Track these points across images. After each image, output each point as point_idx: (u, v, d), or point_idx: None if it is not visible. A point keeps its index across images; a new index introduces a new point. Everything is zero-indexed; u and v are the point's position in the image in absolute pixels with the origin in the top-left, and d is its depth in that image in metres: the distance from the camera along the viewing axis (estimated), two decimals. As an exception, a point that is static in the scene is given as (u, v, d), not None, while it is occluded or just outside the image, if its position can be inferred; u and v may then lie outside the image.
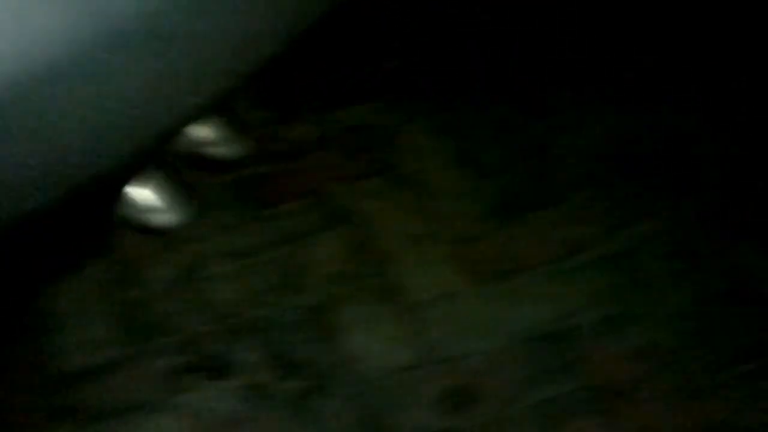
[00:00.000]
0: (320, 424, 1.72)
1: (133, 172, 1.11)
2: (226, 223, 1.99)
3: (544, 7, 2.49)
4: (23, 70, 0.80)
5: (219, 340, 1.78)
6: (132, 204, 1.22)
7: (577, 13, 2.46)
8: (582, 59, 2.34)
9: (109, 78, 0.89)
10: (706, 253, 1.91)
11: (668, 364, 1.73)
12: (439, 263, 1.93)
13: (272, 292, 1.86)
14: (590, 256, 1.91)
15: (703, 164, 2.08)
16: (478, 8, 2.50)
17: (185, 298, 1.84)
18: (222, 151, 1.36)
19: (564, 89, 2.27)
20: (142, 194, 1.21)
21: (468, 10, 2.50)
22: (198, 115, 1.10)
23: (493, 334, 1.80)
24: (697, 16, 2.41)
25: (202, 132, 1.34)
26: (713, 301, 1.83)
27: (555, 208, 2.01)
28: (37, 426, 1.70)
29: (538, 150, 2.14)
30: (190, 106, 1.04)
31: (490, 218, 2.00)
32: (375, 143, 2.17)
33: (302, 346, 1.78)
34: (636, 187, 2.04)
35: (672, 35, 2.37)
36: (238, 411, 1.70)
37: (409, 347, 1.79)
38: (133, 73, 0.92)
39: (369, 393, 1.72)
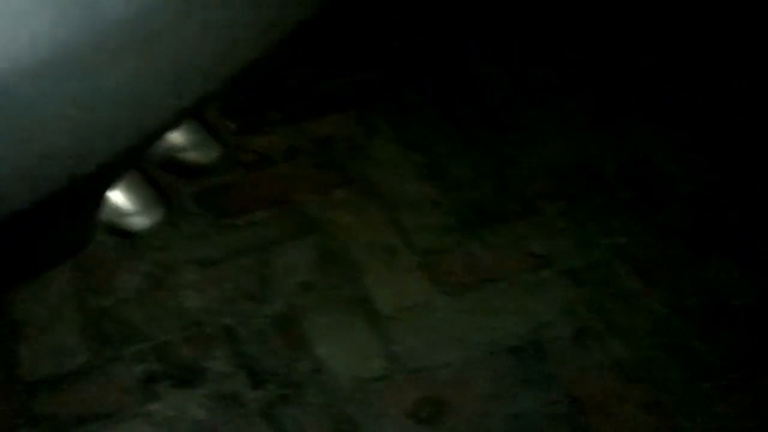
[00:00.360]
0: (290, 434, 1.71)
1: (114, 176, 1.10)
2: (196, 231, 1.98)
3: (514, 24, 2.51)
4: (11, 68, 0.79)
5: (189, 349, 1.77)
6: (104, 206, 1.21)
7: (546, 30, 2.48)
8: (552, 75, 2.36)
9: (94, 76, 0.88)
10: (677, 267, 1.92)
11: (643, 378, 1.74)
12: (409, 274, 1.93)
13: (241, 301, 1.85)
14: (561, 268, 1.92)
15: (673, 179, 2.10)
16: (449, 24, 2.51)
17: (154, 305, 1.83)
18: (194, 156, 1.36)
19: (534, 104, 2.29)
20: (113, 197, 1.20)
21: (438, 27, 2.51)
22: (180, 118, 1.09)
23: (464, 346, 1.80)
24: (663, 34, 2.44)
25: (174, 137, 1.33)
26: (686, 314, 1.84)
27: (524, 221, 2.02)
28: (4, 434, 1.68)
29: (507, 163, 2.15)
30: (173, 108, 1.04)
31: (459, 230, 2.01)
32: (344, 154, 2.18)
33: (272, 355, 1.77)
34: (605, 201, 2.06)
35: (640, 53, 2.40)
36: (208, 419, 1.68)
37: (379, 358, 1.79)
38: (118, 72, 0.91)
39: (339, 403, 1.72)
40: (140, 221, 1.19)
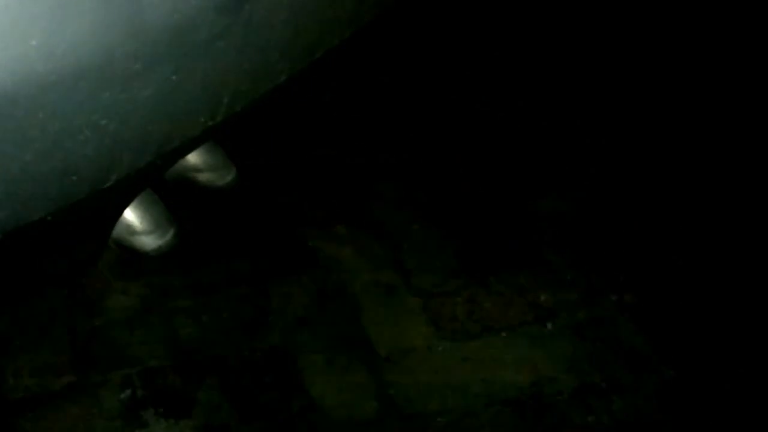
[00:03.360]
0: (277, 473, 1.66)
1: (133, 193, 1.06)
2: (193, 257, 1.94)
3: (515, 68, 2.49)
4: (51, 70, 0.75)
5: (179, 377, 1.73)
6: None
7: (542, 87, 2.47)
8: (562, 125, 2.35)
9: (129, 85, 0.85)
10: (684, 328, 1.89)
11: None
12: (409, 316, 1.89)
13: (236, 332, 1.81)
14: (566, 321, 1.89)
15: (680, 239, 2.07)
16: (459, 65, 2.50)
17: (146, 329, 1.79)
18: (209, 177, 1.33)
19: (545, 152, 2.27)
20: (125, 214, 1.16)
21: (450, 69, 2.50)
22: (207, 136, 1.06)
23: (462, 395, 1.76)
24: (648, 94, 2.43)
25: (190, 156, 1.30)
26: (697, 374, 1.80)
27: (530, 269, 1.99)
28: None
29: (514, 209, 2.12)
30: (202, 125, 1.00)
31: (462, 274, 1.98)
32: (346, 189, 2.14)
33: (264, 389, 1.73)
34: (611, 257, 2.03)
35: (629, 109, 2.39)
36: (196, 452, 1.64)
37: (373, 400, 1.75)
38: (153, 84, 0.88)
39: (330, 445, 1.67)
40: (151, 241, 1.16)
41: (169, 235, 1.17)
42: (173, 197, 1.31)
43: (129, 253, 1.15)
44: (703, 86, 2.47)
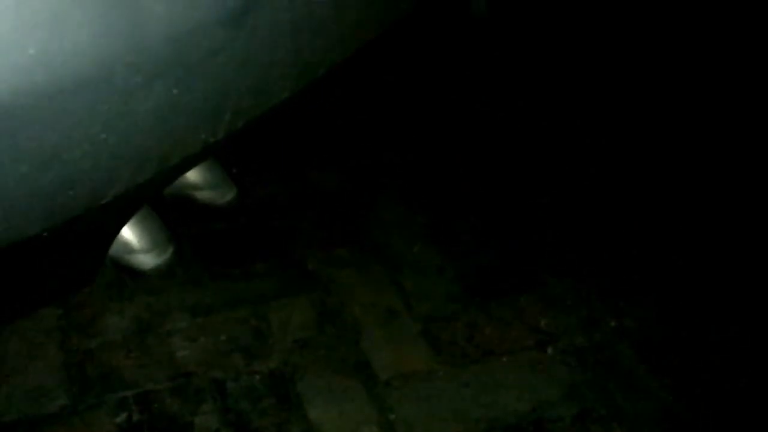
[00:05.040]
0: (274, 500, 1.63)
1: (129, 211, 1.04)
2: (190, 277, 1.92)
3: (520, 89, 2.48)
4: (50, 81, 0.73)
5: (175, 400, 1.69)
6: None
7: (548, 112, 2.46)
8: (563, 155, 2.33)
9: (129, 98, 0.83)
10: (684, 354, 1.86)
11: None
12: (409, 340, 1.86)
13: (234, 355, 1.78)
14: (566, 346, 1.86)
15: (681, 264, 2.05)
16: (459, 90, 2.49)
17: (142, 352, 1.76)
18: (209, 196, 1.30)
19: (544, 159, 2.25)
20: (123, 232, 1.14)
21: (448, 93, 2.49)
22: (207, 154, 1.03)
23: (463, 420, 1.73)
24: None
25: (190, 174, 1.27)
26: (696, 400, 1.78)
27: (530, 294, 1.96)
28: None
29: (516, 232, 2.10)
30: (202, 142, 0.98)
31: (463, 298, 1.95)
32: (346, 211, 2.12)
33: (262, 414, 1.70)
34: (612, 282, 2.00)
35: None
36: (192, 478, 1.61)
37: (374, 425, 1.72)
38: (153, 97, 0.86)
39: (328, 471, 1.64)
40: (149, 260, 1.13)
41: (168, 253, 1.15)
42: (172, 215, 1.29)
43: (127, 272, 1.13)
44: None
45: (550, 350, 1.87)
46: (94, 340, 1.77)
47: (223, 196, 1.27)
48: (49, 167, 0.79)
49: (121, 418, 1.66)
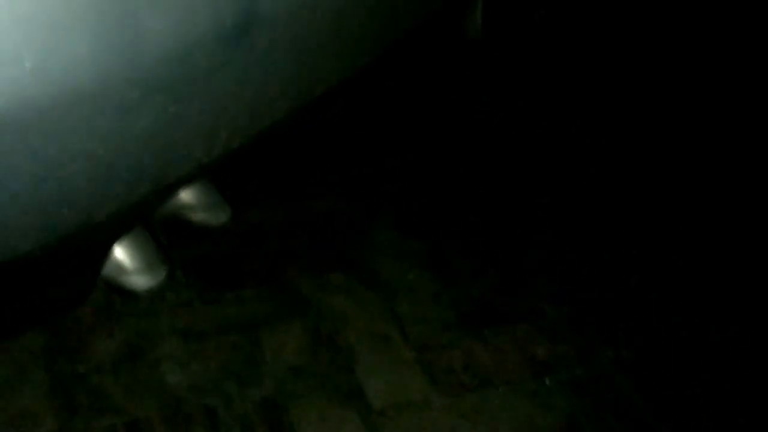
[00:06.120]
0: None
1: (123, 230, 1.02)
2: (181, 301, 1.90)
3: (516, 108, 2.48)
4: (46, 94, 0.72)
5: (166, 427, 1.67)
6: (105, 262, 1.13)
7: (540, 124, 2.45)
8: (557, 172, 2.33)
9: (125, 113, 0.82)
10: (681, 387, 1.85)
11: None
12: (403, 368, 1.84)
13: (226, 381, 1.76)
14: (564, 377, 1.84)
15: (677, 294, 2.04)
16: (454, 112, 2.48)
17: (132, 377, 1.74)
18: (203, 217, 1.29)
19: (543, 185, 2.25)
20: (116, 253, 1.12)
21: (442, 109, 2.48)
22: (202, 173, 1.02)
23: (458, 451, 1.71)
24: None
25: (184, 195, 1.26)
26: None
27: (527, 323, 1.95)
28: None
29: (511, 260, 2.08)
30: (198, 160, 0.97)
31: (458, 326, 1.94)
32: (340, 236, 2.10)
33: (254, 442, 1.67)
34: (610, 311, 1.99)
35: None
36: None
37: (367, 455, 1.69)
38: (150, 113, 0.85)
39: (320, 501, 1.62)
40: (142, 281, 1.12)
41: (161, 274, 1.13)
42: (163, 239, 1.27)
43: (119, 293, 1.11)
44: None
45: (547, 381, 1.85)
46: (82, 364, 1.75)
47: (217, 217, 1.25)
48: (44, 183, 0.78)
49: (110, 444, 1.64)
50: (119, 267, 1.09)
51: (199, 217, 1.24)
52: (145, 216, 1.06)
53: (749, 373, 1.89)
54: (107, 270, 1.09)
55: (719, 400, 1.83)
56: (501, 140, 2.43)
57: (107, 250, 1.02)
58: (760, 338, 1.96)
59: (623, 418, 1.79)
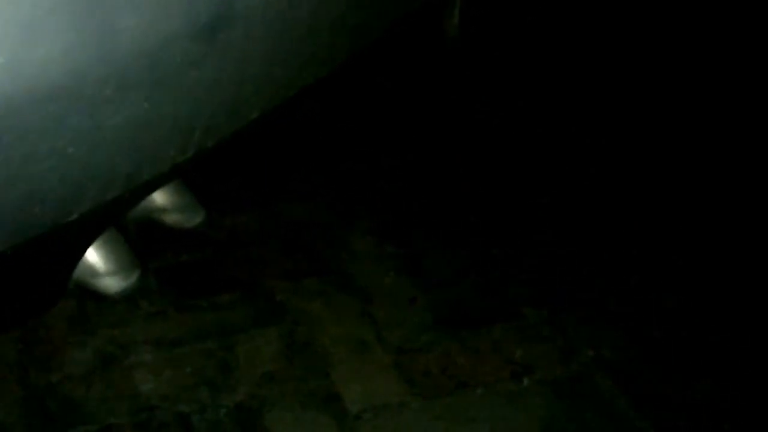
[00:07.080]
0: None
1: (96, 231, 1.01)
2: (154, 309, 1.89)
3: (497, 119, 2.49)
4: (18, 91, 0.71)
5: (140, 435, 1.66)
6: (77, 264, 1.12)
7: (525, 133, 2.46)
8: (535, 176, 2.33)
9: (98, 112, 0.81)
10: (662, 384, 1.85)
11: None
12: (380, 372, 1.84)
13: (200, 388, 1.75)
14: (543, 377, 1.84)
15: (659, 292, 2.05)
16: (434, 118, 2.49)
17: (105, 386, 1.73)
18: (176, 219, 1.28)
19: (518, 205, 2.25)
20: (88, 255, 1.11)
21: (423, 121, 2.49)
22: (176, 173, 1.01)
23: (437, 455, 1.70)
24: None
25: (157, 196, 1.25)
26: (678, 431, 1.76)
27: (505, 324, 1.95)
28: None
29: (487, 263, 2.08)
30: (171, 160, 0.96)
31: (435, 329, 1.93)
32: (316, 241, 2.10)
33: (230, 449, 1.66)
34: (587, 312, 1.99)
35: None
36: None
37: (344, 460, 1.68)
38: (123, 112, 0.84)
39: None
40: (114, 283, 1.11)
41: (134, 277, 1.12)
42: (136, 245, 1.26)
43: (91, 296, 1.10)
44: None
45: (526, 381, 1.85)
46: (55, 373, 1.74)
47: (191, 219, 1.24)
48: (15, 182, 0.77)
49: (83, 454, 1.63)
50: (91, 269, 1.08)
51: (172, 218, 1.23)
52: (118, 217, 1.05)
53: (730, 368, 1.90)
54: (79, 272, 1.08)
55: (700, 400, 1.84)
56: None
57: (80, 251, 1.01)
58: (755, 339, 1.97)
59: (603, 417, 1.79)
